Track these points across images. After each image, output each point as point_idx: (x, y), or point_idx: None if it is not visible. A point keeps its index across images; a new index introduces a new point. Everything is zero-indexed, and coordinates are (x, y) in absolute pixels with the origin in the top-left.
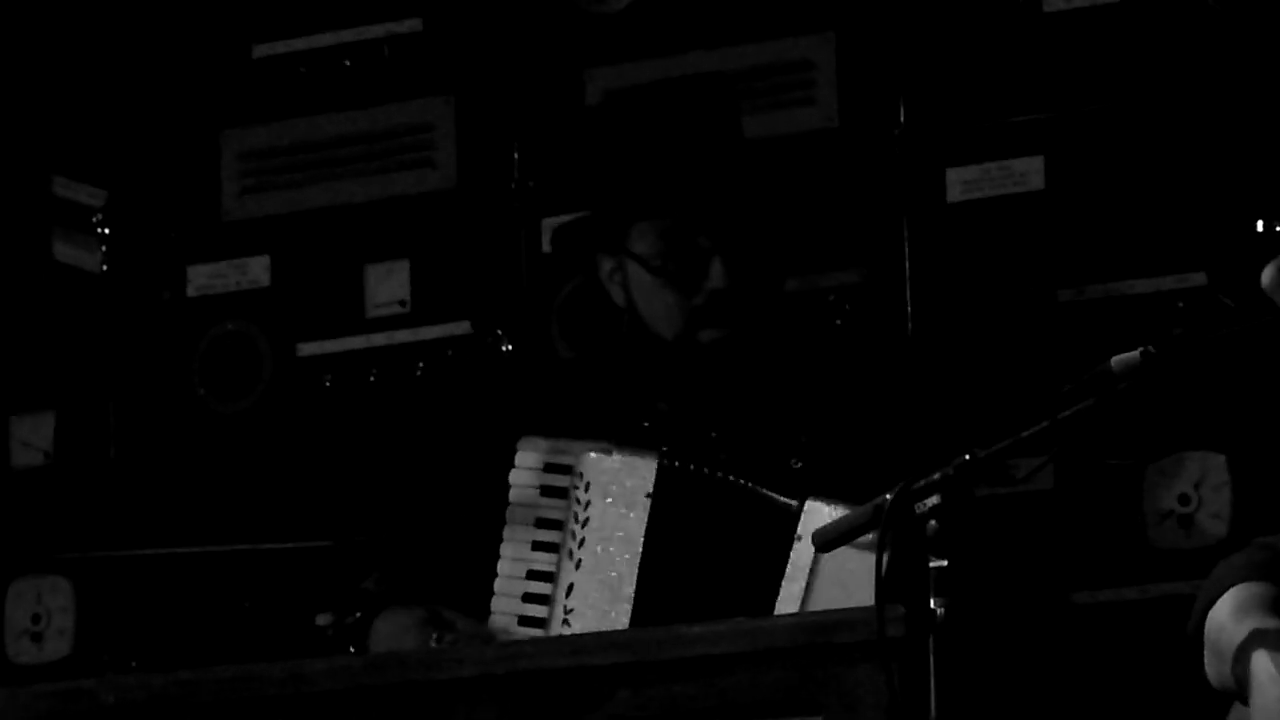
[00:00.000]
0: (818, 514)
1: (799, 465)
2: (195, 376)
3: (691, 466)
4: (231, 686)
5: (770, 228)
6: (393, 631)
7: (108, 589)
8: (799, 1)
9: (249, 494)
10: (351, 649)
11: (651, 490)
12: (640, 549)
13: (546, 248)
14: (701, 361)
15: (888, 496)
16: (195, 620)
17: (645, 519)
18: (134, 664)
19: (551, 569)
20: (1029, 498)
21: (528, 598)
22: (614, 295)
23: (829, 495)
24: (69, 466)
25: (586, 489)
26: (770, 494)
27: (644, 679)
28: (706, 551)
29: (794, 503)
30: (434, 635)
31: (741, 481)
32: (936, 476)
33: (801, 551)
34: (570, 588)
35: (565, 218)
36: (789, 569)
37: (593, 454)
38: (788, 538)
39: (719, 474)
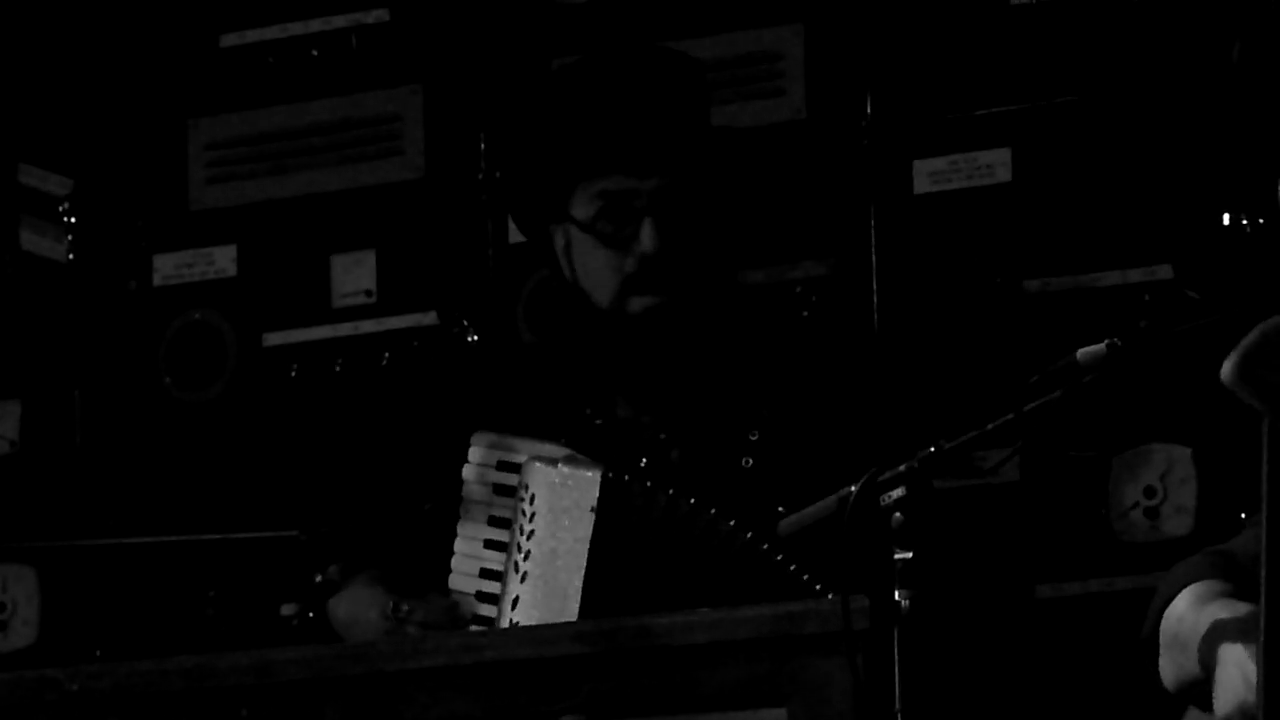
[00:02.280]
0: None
1: (750, 464)
2: (161, 366)
3: (637, 481)
4: (196, 676)
5: (722, 205)
6: (353, 604)
7: (73, 578)
8: None
9: (215, 484)
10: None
11: (595, 504)
12: (584, 564)
13: (513, 238)
14: (634, 332)
15: (853, 488)
16: (160, 609)
17: (589, 534)
18: (99, 653)
19: (500, 567)
20: (995, 490)
21: (481, 596)
22: (565, 270)
23: (780, 493)
24: (35, 455)
25: (532, 500)
26: (712, 511)
27: (612, 670)
28: (653, 569)
29: (732, 521)
30: (392, 604)
31: (690, 501)
32: (902, 469)
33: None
34: (515, 600)
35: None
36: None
37: (537, 464)
38: (734, 556)
39: (668, 491)
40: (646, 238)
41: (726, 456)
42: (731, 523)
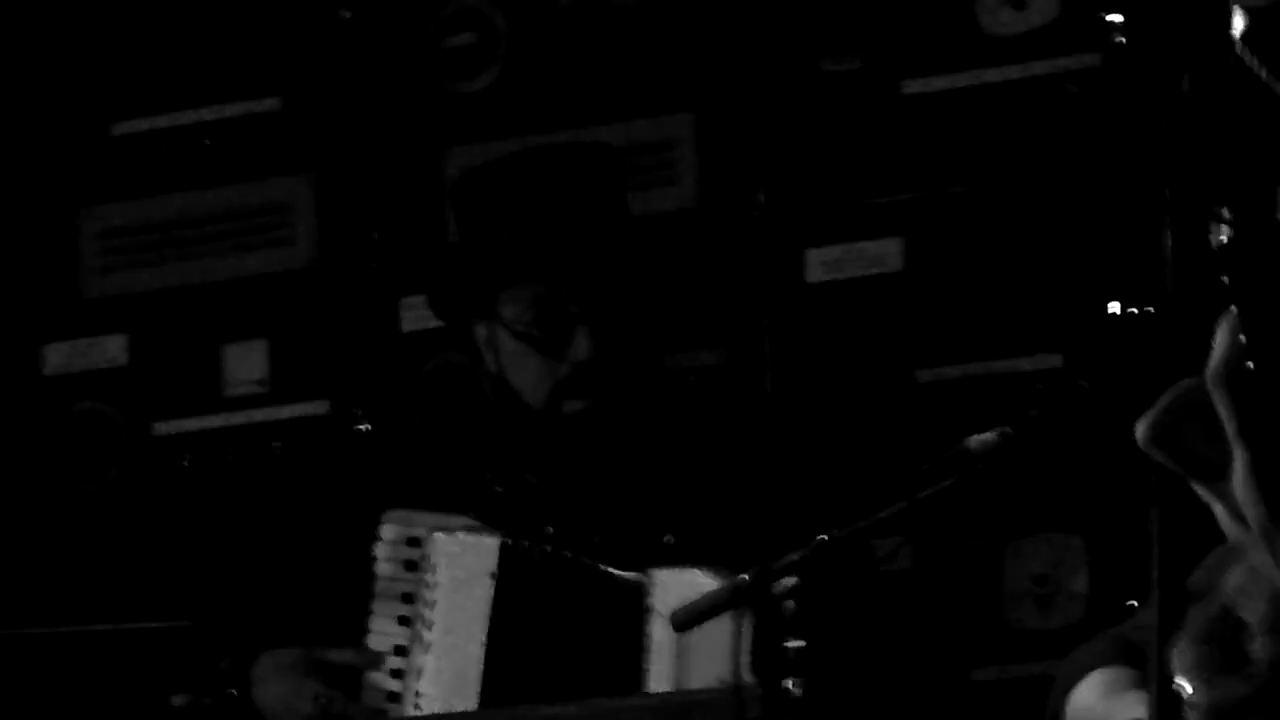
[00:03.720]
0: (667, 583)
1: (671, 541)
2: (52, 455)
3: (537, 545)
4: None
5: (640, 300)
6: (282, 690)
7: None
8: (659, 82)
9: (105, 574)
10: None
11: (495, 570)
12: (486, 631)
13: (406, 327)
14: (567, 433)
15: (745, 577)
16: (51, 701)
17: (490, 599)
18: None
19: (408, 642)
20: (887, 577)
21: (394, 674)
22: (488, 362)
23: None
24: None
25: (434, 571)
26: (613, 571)
27: None
28: (555, 633)
29: (635, 576)
30: (324, 699)
31: (585, 560)
32: (794, 557)
33: (660, 626)
34: (420, 671)
35: (422, 297)
36: (652, 646)
37: (439, 534)
38: (639, 614)
39: (563, 553)
40: (581, 346)
41: (647, 532)
42: (630, 577)
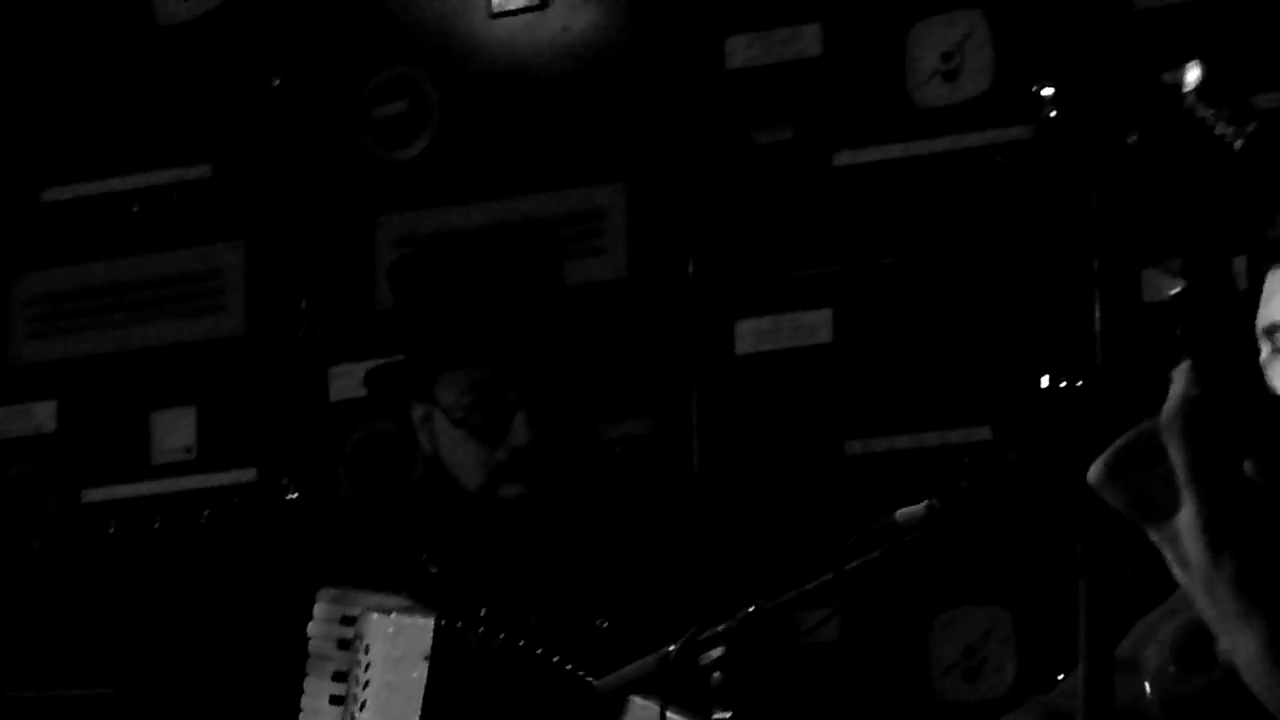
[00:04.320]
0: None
1: (605, 625)
2: None
3: (472, 629)
4: None
5: (577, 383)
6: None
7: None
8: (589, 152)
9: (31, 640)
10: None
11: (429, 652)
12: (418, 712)
13: (335, 396)
14: (504, 517)
15: (672, 648)
16: None
17: (423, 681)
18: None
19: None
20: (815, 649)
21: None
22: (422, 442)
23: (637, 651)
24: None
25: (366, 650)
26: (555, 662)
27: None
28: (488, 714)
29: (580, 673)
30: None
31: (528, 646)
32: (721, 628)
33: None
34: None
35: (352, 365)
36: None
37: (373, 615)
38: (573, 705)
39: (502, 636)
40: (520, 433)
41: (582, 615)
42: (569, 666)
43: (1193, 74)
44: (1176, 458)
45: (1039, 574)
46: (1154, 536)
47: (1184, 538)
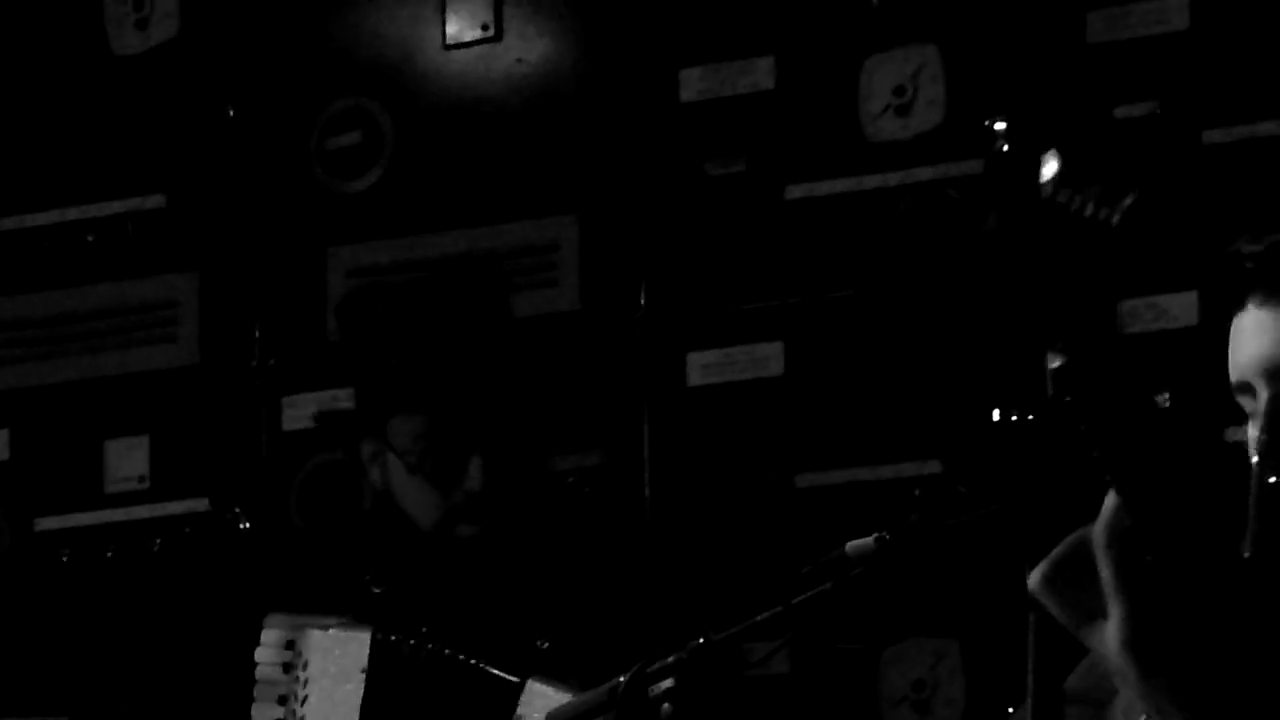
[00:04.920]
0: (541, 695)
1: (545, 646)
2: None
3: (406, 640)
4: None
5: (530, 422)
6: None
7: None
8: (542, 185)
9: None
10: None
11: (366, 665)
12: None
13: (287, 426)
14: (457, 554)
15: (622, 679)
16: None
17: (360, 694)
18: None
19: None
20: (765, 681)
21: None
22: (372, 478)
23: (575, 674)
24: None
25: (305, 667)
26: (488, 668)
27: None
28: None
29: (515, 678)
30: None
31: (459, 656)
32: (670, 660)
33: None
34: None
35: (305, 396)
36: None
37: (313, 631)
38: (507, 713)
39: (434, 646)
40: (475, 477)
41: (523, 637)
42: (503, 675)
43: (1050, 166)
44: (1103, 570)
45: (988, 606)
46: (1088, 643)
47: (1111, 647)
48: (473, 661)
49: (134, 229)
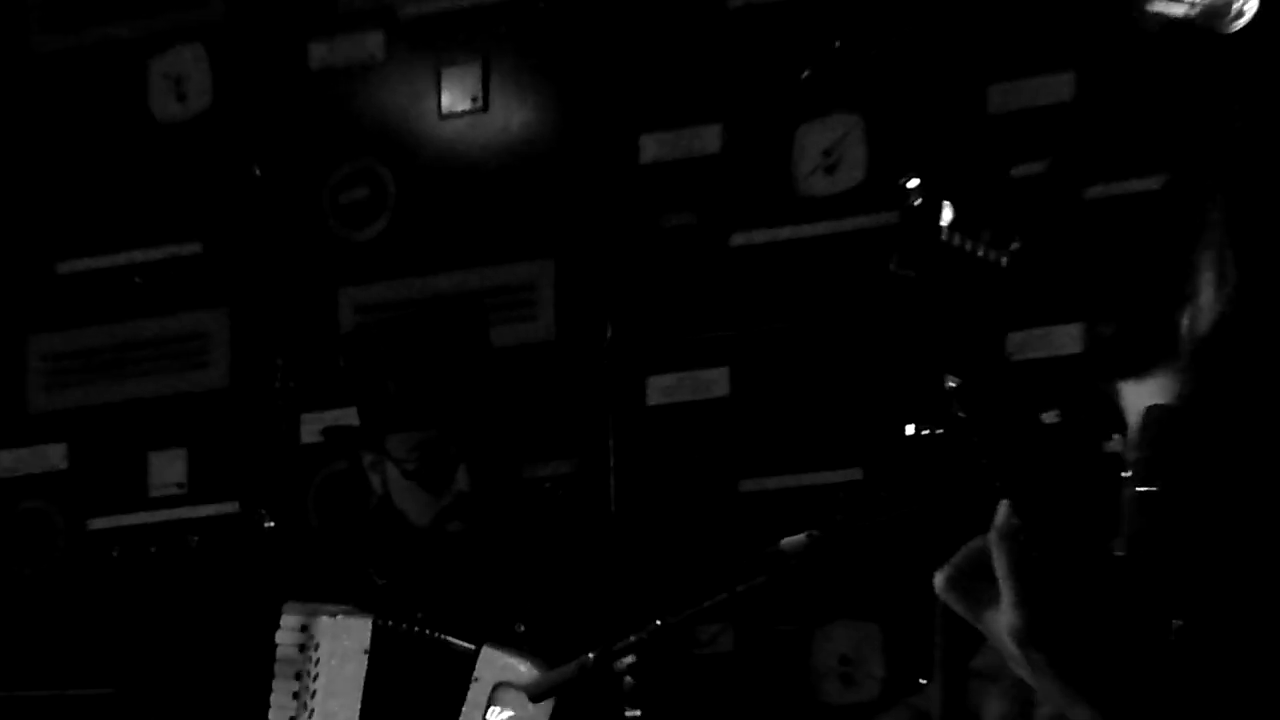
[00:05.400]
0: (492, 659)
1: (522, 629)
2: (3, 553)
3: (401, 625)
4: None
5: (508, 435)
6: None
7: None
8: (523, 233)
9: (44, 648)
10: None
11: (368, 646)
12: (360, 699)
13: (304, 439)
14: (448, 548)
15: (591, 656)
16: None
17: (364, 673)
18: None
19: (295, 713)
20: (712, 659)
21: None
22: (373, 484)
23: (549, 651)
24: None
25: (317, 648)
26: (454, 641)
27: None
28: (413, 693)
29: (471, 647)
30: None
31: (434, 634)
32: (632, 639)
33: (477, 690)
34: None
35: (320, 414)
36: (465, 705)
37: (323, 618)
38: (464, 678)
39: (418, 629)
40: (462, 481)
41: (502, 621)
42: (463, 644)
43: (946, 214)
44: (998, 565)
45: (905, 593)
46: (985, 630)
47: (1002, 633)
48: (438, 635)
49: (174, 271)
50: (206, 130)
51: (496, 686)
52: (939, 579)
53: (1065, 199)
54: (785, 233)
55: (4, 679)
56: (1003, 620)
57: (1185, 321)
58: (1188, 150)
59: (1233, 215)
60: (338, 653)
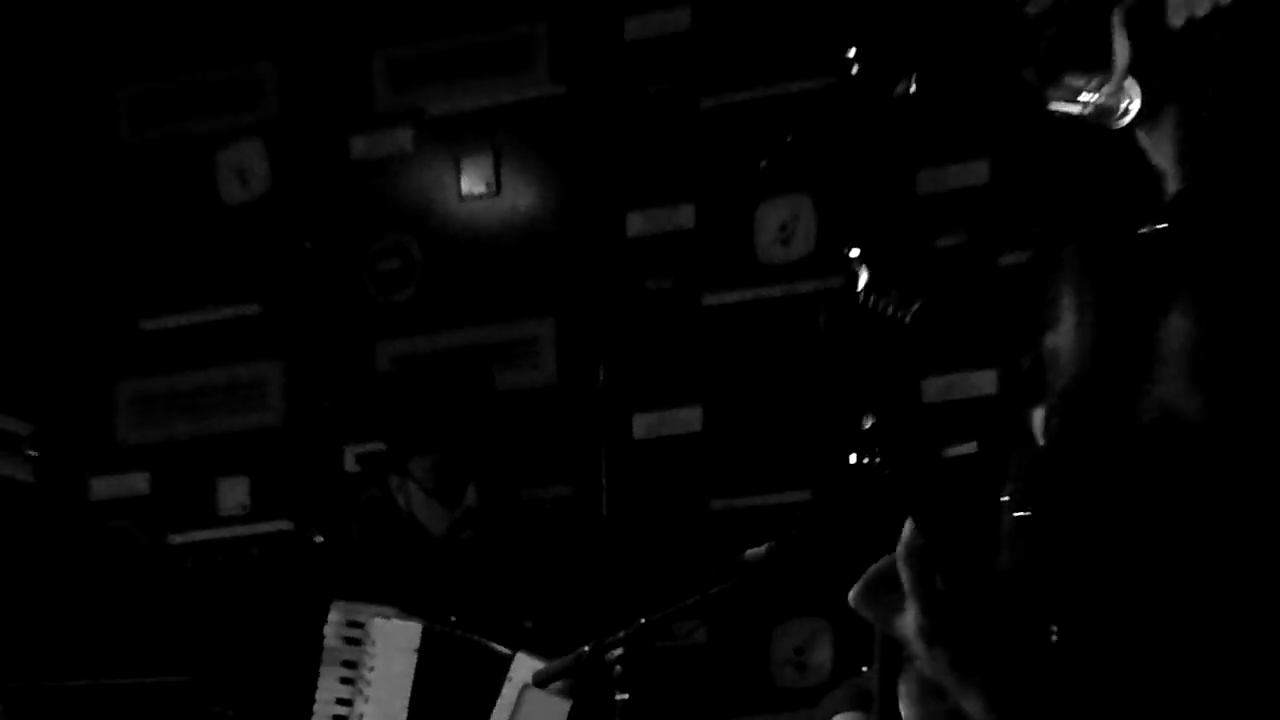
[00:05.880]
0: (524, 663)
1: (530, 625)
2: (94, 559)
3: (446, 629)
4: None
5: (509, 459)
6: None
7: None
8: (529, 296)
9: (132, 643)
10: None
11: (418, 646)
12: (410, 688)
13: (347, 468)
14: (461, 554)
15: (585, 648)
16: None
17: (414, 667)
18: None
19: (350, 697)
20: (688, 649)
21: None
22: (399, 501)
23: (551, 645)
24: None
25: (373, 644)
26: (493, 645)
27: None
28: (453, 687)
29: (509, 652)
30: None
31: (477, 638)
32: (621, 634)
33: (509, 690)
34: (361, 716)
35: (360, 446)
36: (500, 701)
37: (378, 620)
38: (500, 679)
39: (462, 633)
40: (471, 497)
41: (513, 619)
42: (507, 653)
43: (862, 277)
44: (904, 579)
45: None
46: (894, 634)
47: (910, 633)
48: (481, 641)
49: (237, 328)
50: (265, 211)
51: (526, 687)
52: (852, 594)
53: (980, 265)
54: (749, 294)
55: (96, 669)
56: (908, 623)
57: (1048, 346)
58: (1067, 212)
59: (1083, 255)
60: (390, 650)
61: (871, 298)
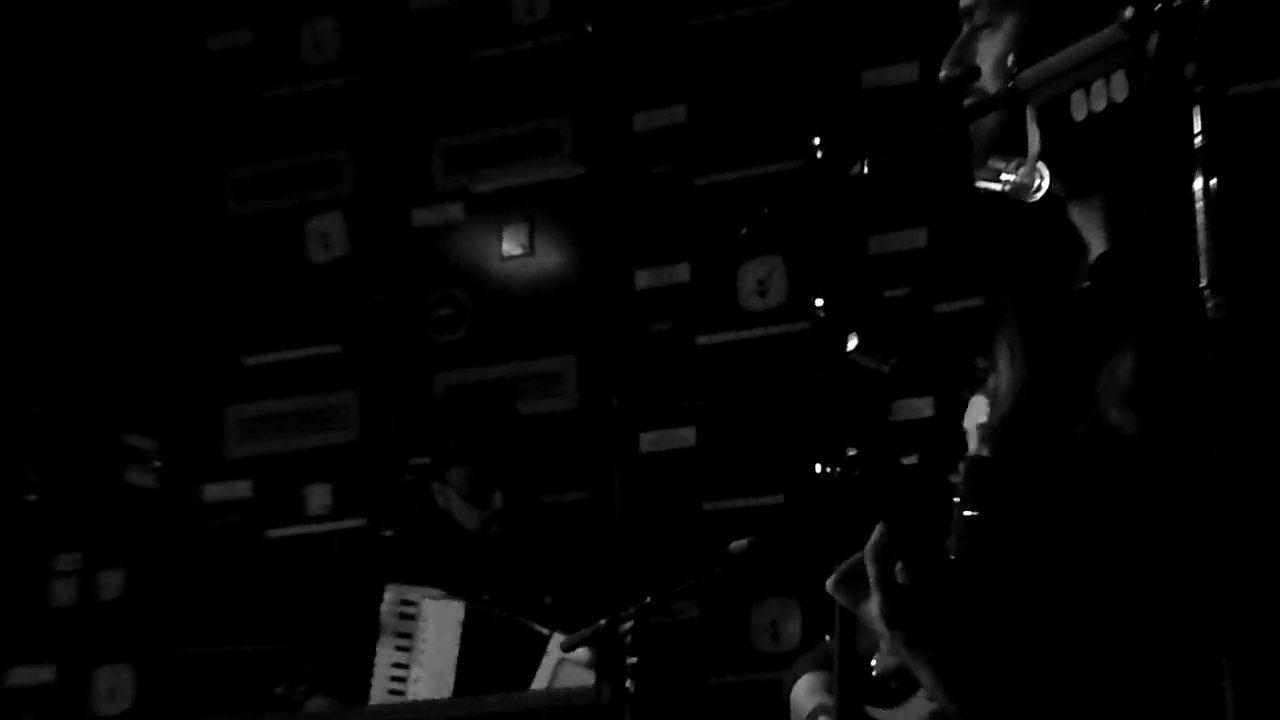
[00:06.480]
0: (556, 640)
1: (549, 601)
2: (204, 550)
3: (485, 606)
4: None
5: (533, 469)
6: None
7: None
8: (556, 337)
9: (236, 619)
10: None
11: (462, 620)
12: (456, 656)
13: (407, 478)
14: (492, 546)
15: (602, 622)
16: (202, 690)
17: (459, 638)
18: None
19: (406, 662)
20: (684, 624)
21: (393, 679)
22: (440, 504)
23: (568, 620)
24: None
25: (425, 620)
26: (532, 624)
27: None
28: (495, 657)
29: (546, 631)
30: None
31: (517, 617)
32: (631, 610)
33: (546, 662)
34: (416, 680)
35: (420, 458)
36: (540, 669)
37: (428, 600)
38: (540, 651)
39: (501, 611)
40: (498, 500)
41: (536, 597)
42: (544, 632)
43: (852, 341)
44: (870, 574)
45: (816, 579)
46: (861, 617)
47: (874, 618)
48: (521, 620)
49: (319, 365)
50: (343, 270)
51: (562, 660)
52: (829, 582)
53: (919, 311)
54: (733, 336)
55: (207, 639)
56: (872, 609)
57: (991, 385)
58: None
59: (1018, 308)
60: (440, 625)
61: (860, 356)
